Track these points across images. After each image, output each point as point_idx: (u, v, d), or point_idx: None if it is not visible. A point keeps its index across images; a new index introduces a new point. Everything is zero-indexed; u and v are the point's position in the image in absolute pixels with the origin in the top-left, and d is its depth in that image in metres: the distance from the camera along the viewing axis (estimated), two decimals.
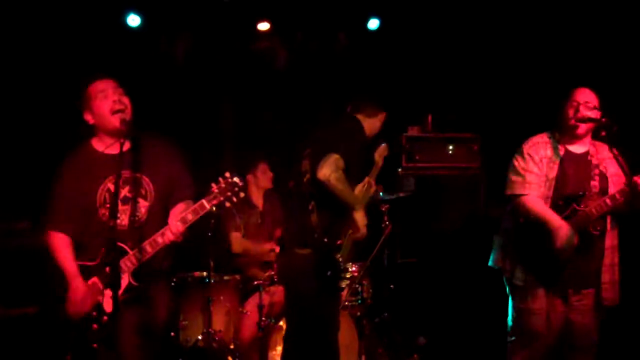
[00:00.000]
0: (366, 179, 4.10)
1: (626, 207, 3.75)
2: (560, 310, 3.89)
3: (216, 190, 3.36)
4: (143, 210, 3.49)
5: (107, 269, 3.34)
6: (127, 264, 3.38)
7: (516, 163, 3.96)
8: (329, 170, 3.68)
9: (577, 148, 3.96)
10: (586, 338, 3.93)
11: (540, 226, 3.80)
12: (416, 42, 6.30)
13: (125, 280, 3.37)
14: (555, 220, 3.77)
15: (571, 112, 3.86)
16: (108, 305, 3.31)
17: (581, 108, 3.84)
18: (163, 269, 3.61)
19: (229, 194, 3.36)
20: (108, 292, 3.30)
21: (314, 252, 3.82)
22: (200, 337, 5.02)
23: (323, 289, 3.85)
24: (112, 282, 3.10)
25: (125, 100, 3.48)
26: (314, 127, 4.23)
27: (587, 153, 3.95)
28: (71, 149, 3.59)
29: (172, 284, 5.06)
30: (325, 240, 3.81)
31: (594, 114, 3.81)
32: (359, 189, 4.01)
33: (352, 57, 6.33)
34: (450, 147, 6.09)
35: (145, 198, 3.50)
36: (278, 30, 6.28)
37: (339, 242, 3.90)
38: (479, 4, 5.92)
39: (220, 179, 3.37)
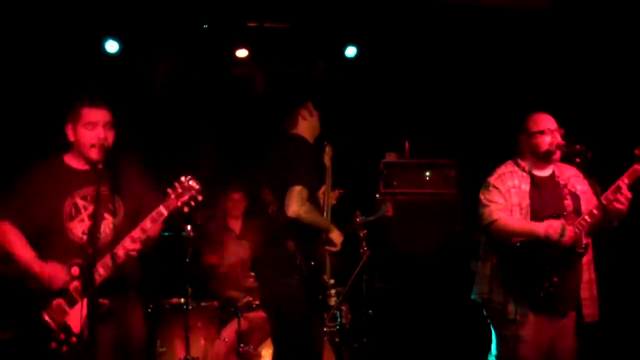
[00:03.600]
0: (322, 188, 4.12)
1: (603, 223, 3.75)
2: (547, 336, 3.85)
3: (173, 196, 3.28)
4: (110, 227, 3.44)
5: (72, 286, 3.29)
6: (96, 276, 3.22)
7: (482, 197, 3.94)
8: (296, 206, 3.71)
9: (543, 172, 3.97)
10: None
11: (526, 248, 3.78)
12: (393, 69, 6.37)
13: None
14: (537, 225, 3.75)
15: (545, 140, 3.86)
16: (75, 325, 3.27)
17: (556, 135, 3.89)
18: (134, 286, 3.54)
19: (186, 198, 3.27)
20: (74, 312, 3.27)
21: (301, 278, 3.78)
22: None
23: (313, 313, 3.84)
24: (89, 292, 3.07)
25: (110, 136, 3.44)
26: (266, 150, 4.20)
27: (553, 175, 3.98)
28: (42, 160, 3.54)
29: (150, 310, 5.01)
30: (312, 263, 3.81)
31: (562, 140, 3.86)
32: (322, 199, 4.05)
33: (329, 84, 6.37)
34: (428, 173, 6.15)
35: (113, 215, 3.45)
36: (256, 57, 6.32)
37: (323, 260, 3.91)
38: (455, 33, 6.01)
39: (176, 184, 3.29)
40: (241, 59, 6.28)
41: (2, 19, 5.38)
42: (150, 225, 3.31)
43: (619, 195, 3.65)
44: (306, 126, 4.11)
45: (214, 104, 6.44)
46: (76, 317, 3.27)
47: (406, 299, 5.91)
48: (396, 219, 5.97)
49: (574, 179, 3.97)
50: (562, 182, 3.95)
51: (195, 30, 6.08)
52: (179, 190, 3.28)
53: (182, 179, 3.29)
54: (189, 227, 5.06)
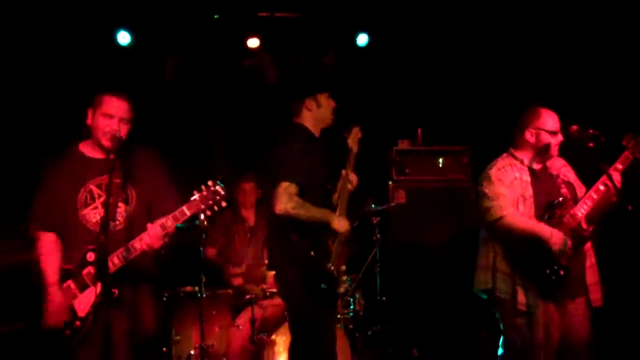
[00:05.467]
0: (343, 172, 3.99)
1: (610, 201, 3.81)
2: (557, 323, 3.84)
3: (197, 198, 3.32)
4: (123, 215, 3.48)
5: (84, 271, 3.36)
6: (109, 265, 3.29)
7: (486, 190, 3.92)
8: (281, 203, 3.67)
9: (536, 165, 4.01)
10: (583, 348, 3.89)
11: (531, 240, 3.79)
12: (405, 56, 6.36)
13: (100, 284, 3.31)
14: (544, 229, 3.78)
15: (555, 140, 3.90)
16: (81, 310, 3.33)
17: (560, 135, 3.92)
18: (148, 277, 3.58)
19: (211, 202, 3.32)
20: (83, 296, 3.34)
21: (300, 269, 3.77)
22: (192, 352, 5.01)
23: (319, 303, 3.81)
24: (102, 280, 3.13)
25: (124, 130, 3.48)
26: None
27: (545, 167, 4.02)
28: (57, 150, 3.62)
29: (164, 298, 5.05)
30: (312, 254, 3.76)
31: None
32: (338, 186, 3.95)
33: (341, 72, 6.37)
34: (440, 160, 6.13)
35: (126, 203, 3.49)
36: (267, 47, 6.32)
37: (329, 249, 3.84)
38: (467, 19, 5.99)
39: (203, 187, 3.33)
40: (252, 49, 6.28)
41: (14, 10, 5.42)
42: (171, 224, 3.35)
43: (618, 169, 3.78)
44: (310, 117, 4.01)
45: (225, 94, 6.45)
46: (84, 301, 3.33)
47: (419, 286, 5.91)
48: (409, 206, 5.96)
49: (563, 169, 4.04)
50: (554, 173, 4.01)
51: (206, 20, 6.10)
52: (205, 193, 3.33)
53: (210, 182, 3.34)
54: (202, 216, 5.07)
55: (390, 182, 6.05)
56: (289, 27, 6.27)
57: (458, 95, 6.27)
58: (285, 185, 3.70)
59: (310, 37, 6.32)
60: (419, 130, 6.23)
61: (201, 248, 5.04)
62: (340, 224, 3.84)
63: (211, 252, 5.54)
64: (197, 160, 6.32)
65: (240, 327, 5.06)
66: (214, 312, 5.16)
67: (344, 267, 3.94)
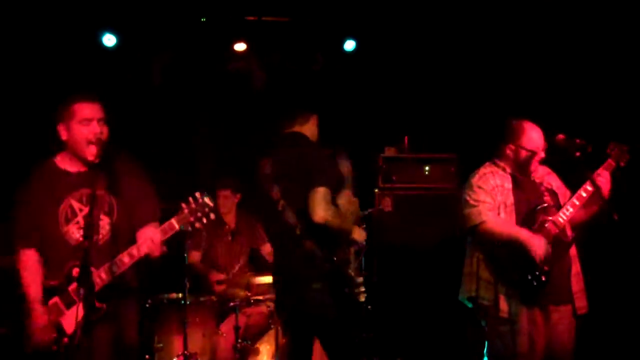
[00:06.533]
0: (349, 196, 3.96)
1: (594, 208, 3.87)
2: (542, 329, 3.86)
3: (186, 211, 3.29)
4: (107, 227, 3.43)
5: (70, 287, 3.31)
6: (97, 280, 3.28)
7: (467, 197, 3.95)
8: (322, 210, 3.59)
9: (518, 173, 4.02)
10: (566, 358, 3.92)
11: (512, 245, 3.80)
12: (392, 63, 6.35)
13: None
14: (523, 233, 3.80)
15: (536, 159, 3.93)
16: (69, 326, 3.28)
17: (542, 153, 3.94)
18: (131, 288, 3.53)
19: (199, 214, 3.29)
20: (70, 313, 3.27)
21: (324, 279, 3.70)
22: None
23: (345, 312, 3.76)
24: (85, 299, 3.06)
25: (105, 130, 3.42)
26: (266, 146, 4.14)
27: (528, 175, 4.04)
28: (34, 166, 3.53)
29: (147, 305, 4.99)
30: (335, 259, 3.72)
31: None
32: (346, 207, 3.89)
33: (328, 78, 6.34)
34: (427, 168, 6.13)
35: (108, 215, 3.44)
36: (255, 51, 6.29)
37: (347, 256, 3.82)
38: (456, 27, 5.99)
39: (191, 199, 3.30)
40: (239, 53, 6.25)
41: None
42: (160, 237, 3.32)
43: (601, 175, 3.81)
44: (306, 129, 4.01)
45: (211, 98, 6.41)
46: (71, 318, 3.25)
47: (405, 294, 5.89)
48: (395, 214, 5.94)
49: (547, 177, 4.08)
50: (537, 181, 4.04)
51: (193, 23, 6.05)
52: (193, 205, 3.29)
53: (197, 195, 3.31)
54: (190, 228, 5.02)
55: (376, 190, 6.03)
56: (276, 32, 6.24)
57: (446, 102, 6.26)
58: (323, 191, 3.63)
59: (298, 42, 6.29)
60: (406, 137, 6.22)
61: (185, 255, 4.98)
62: (360, 234, 3.89)
63: (195, 255, 5.50)
64: (181, 163, 6.27)
65: (224, 335, 5.02)
66: (197, 319, 5.09)
67: (361, 279, 3.90)
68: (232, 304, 4.99)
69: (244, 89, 6.37)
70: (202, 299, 5.18)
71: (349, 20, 6.19)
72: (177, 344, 4.99)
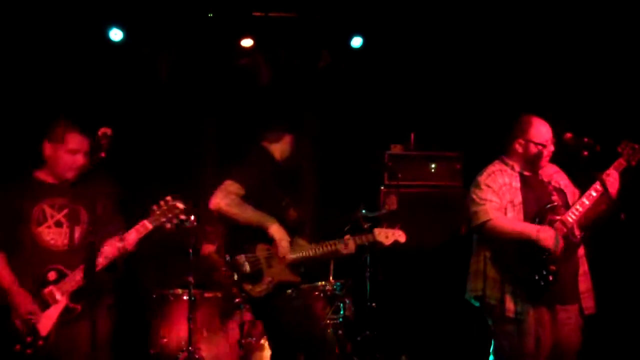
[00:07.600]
0: (346, 237, 4.12)
1: (602, 208, 3.84)
2: (548, 329, 3.86)
3: (157, 212, 3.49)
4: (77, 235, 3.59)
5: (45, 290, 3.44)
6: (72, 283, 3.45)
7: (474, 196, 3.96)
8: (217, 198, 3.80)
9: (527, 171, 4.02)
10: (573, 358, 3.92)
11: (519, 243, 3.79)
12: (399, 60, 6.32)
13: (63, 302, 3.45)
14: (530, 228, 3.79)
15: (544, 152, 3.92)
16: (44, 328, 3.40)
17: (551, 146, 3.93)
18: (104, 289, 3.66)
19: (170, 215, 3.49)
20: (45, 315, 3.42)
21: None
22: (180, 355, 4.94)
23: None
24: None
25: (87, 160, 3.54)
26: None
27: (536, 173, 4.04)
28: (11, 175, 3.68)
29: (153, 296, 5.07)
30: (227, 257, 3.94)
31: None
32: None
33: (335, 74, 6.33)
34: (433, 166, 6.11)
35: (78, 225, 3.60)
36: (261, 47, 6.27)
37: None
38: (462, 24, 5.96)
39: (161, 202, 3.50)
40: (246, 49, 6.24)
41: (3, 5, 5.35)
42: (134, 237, 3.50)
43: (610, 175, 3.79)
44: (275, 147, 4.15)
45: (217, 93, 6.40)
46: (46, 320, 3.41)
47: (410, 292, 5.89)
48: (401, 212, 5.93)
49: (555, 175, 4.07)
50: (545, 180, 4.03)
51: (200, 19, 6.04)
52: (164, 207, 3.50)
53: (168, 198, 3.51)
54: (192, 217, 5.03)
55: (382, 187, 6.01)
56: (283, 28, 6.23)
57: (452, 100, 6.24)
58: (228, 183, 3.84)
59: (305, 38, 6.28)
60: (412, 134, 6.20)
61: (190, 250, 4.99)
62: (276, 230, 3.87)
63: (209, 248, 5.48)
64: (186, 158, 6.26)
65: (229, 331, 5.01)
66: (202, 315, 5.10)
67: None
68: (237, 300, 4.98)
69: (250, 85, 6.35)
70: (207, 295, 5.18)
71: (356, 17, 6.16)
72: (182, 339, 4.99)
